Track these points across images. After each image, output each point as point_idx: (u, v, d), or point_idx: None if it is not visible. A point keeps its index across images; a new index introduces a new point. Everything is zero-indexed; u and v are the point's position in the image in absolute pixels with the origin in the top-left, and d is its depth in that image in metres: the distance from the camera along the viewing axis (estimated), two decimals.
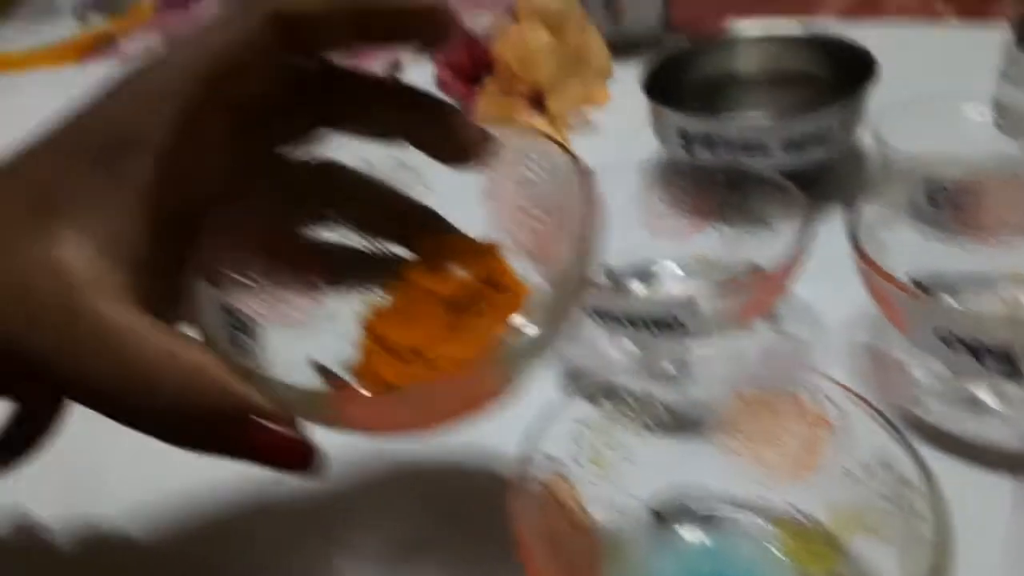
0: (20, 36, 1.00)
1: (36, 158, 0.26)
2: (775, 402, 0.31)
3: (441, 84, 0.72)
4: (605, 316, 0.37)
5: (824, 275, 0.39)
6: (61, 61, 0.89)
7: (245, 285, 0.28)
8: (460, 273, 0.31)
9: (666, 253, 0.45)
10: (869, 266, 0.34)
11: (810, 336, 0.41)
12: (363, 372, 0.29)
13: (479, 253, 0.31)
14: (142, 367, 0.23)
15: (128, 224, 0.25)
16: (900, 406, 0.37)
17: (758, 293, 0.36)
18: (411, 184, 0.32)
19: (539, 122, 0.65)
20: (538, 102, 0.65)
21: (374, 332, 0.30)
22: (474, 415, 0.28)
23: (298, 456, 0.24)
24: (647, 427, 0.33)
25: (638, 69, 0.69)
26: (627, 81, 0.68)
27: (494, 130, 0.30)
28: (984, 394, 0.37)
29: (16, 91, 0.82)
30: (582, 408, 0.32)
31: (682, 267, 0.45)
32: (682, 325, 0.36)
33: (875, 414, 0.28)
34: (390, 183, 0.32)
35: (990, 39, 0.52)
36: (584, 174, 0.28)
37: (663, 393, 0.33)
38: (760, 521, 0.32)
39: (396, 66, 0.77)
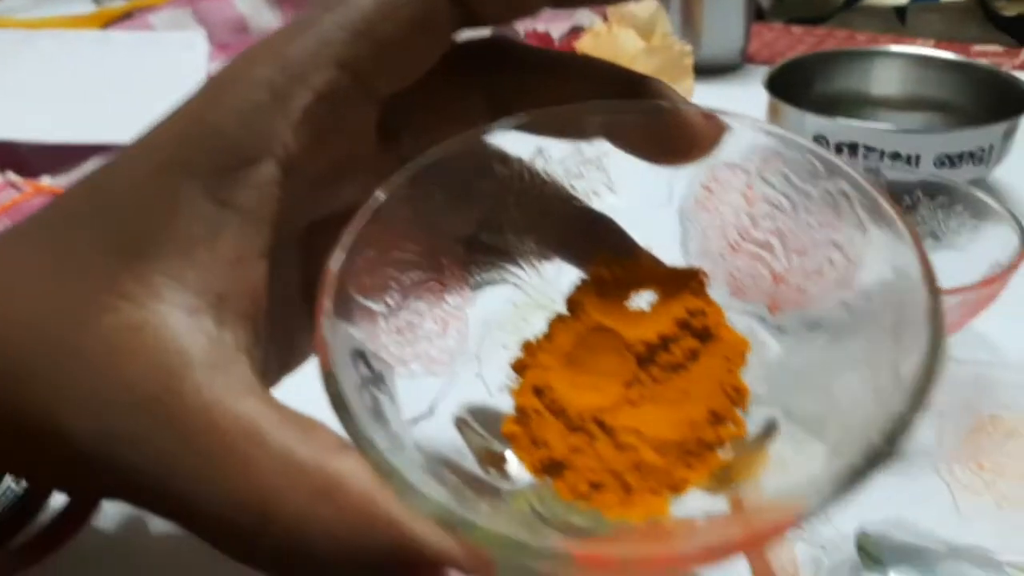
0: (33, 8, 0.93)
1: (120, 184, 0.19)
2: None
3: None
4: None
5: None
6: (82, 27, 0.82)
7: (378, 313, 0.21)
8: (646, 305, 0.23)
9: None
10: None
11: (991, 368, 0.36)
12: (522, 439, 0.22)
13: (676, 284, 0.23)
14: (253, 492, 0.16)
15: (248, 267, 0.19)
16: None
17: (966, 311, 0.31)
18: (591, 183, 0.24)
19: None
20: None
21: (535, 384, 0.23)
22: None
23: None
24: None
25: (718, 91, 0.65)
26: (707, 101, 0.64)
27: (727, 119, 0.22)
28: None
29: (33, 46, 0.75)
30: None
31: None
32: None
33: None
34: (561, 181, 0.24)
35: None
36: (914, 236, 0.18)
37: None
38: (999, 573, 0.26)
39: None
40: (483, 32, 0.22)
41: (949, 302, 0.30)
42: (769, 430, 0.21)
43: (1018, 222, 0.33)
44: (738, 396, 0.21)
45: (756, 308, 0.23)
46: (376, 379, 0.19)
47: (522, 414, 0.22)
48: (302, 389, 0.20)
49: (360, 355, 0.19)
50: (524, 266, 0.25)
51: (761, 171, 0.23)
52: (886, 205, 0.19)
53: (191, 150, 0.18)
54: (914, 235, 0.18)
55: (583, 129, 0.23)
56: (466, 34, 0.22)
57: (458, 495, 0.18)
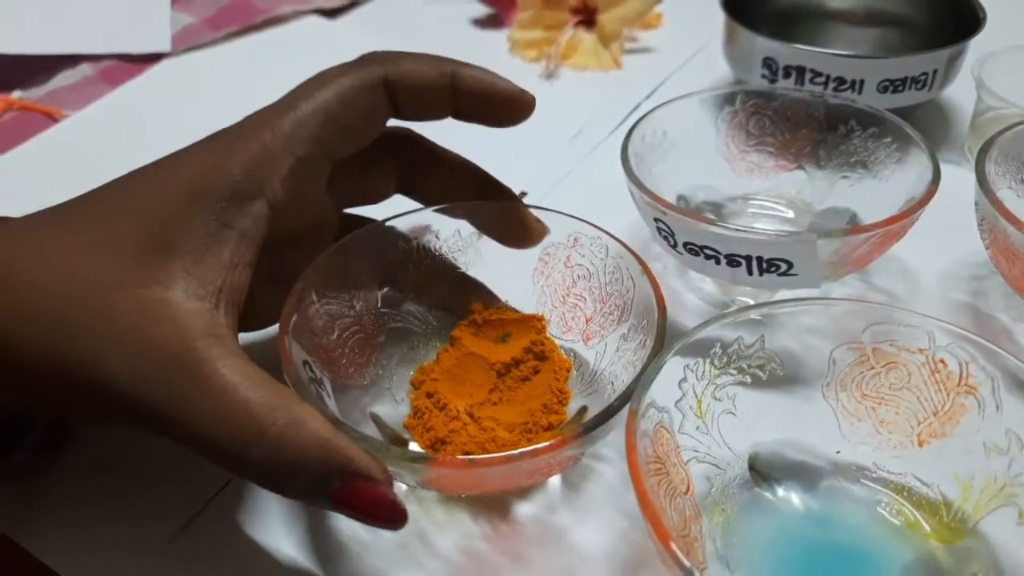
0: None
1: (150, 196, 0.25)
2: (909, 363, 0.28)
3: None
4: (700, 250, 0.33)
5: (915, 228, 0.36)
6: None
7: (316, 333, 0.30)
8: (505, 336, 0.34)
9: (746, 190, 0.42)
10: (1011, 222, 0.31)
11: (905, 293, 0.38)
12: (416, 427, 0.31)
13: (525, 325, 0.34)
14: (246, 420, 0.23)
15: (237, 271, 0.26)
16: None
17: (877, 245, 0.33)
18: (468, 256, 0.35)
19: (587, 39, 0.60)
20: (589, 18, 0.60)
21: (426, 391, 0.32)
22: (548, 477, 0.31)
23: (390, 514, 0.24)
24: (756, 378, 0.30)
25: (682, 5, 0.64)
26: (677, 6, 0.63)
27: (548, 217, 0.33)
28: None
29: None
30: (692, 354, 0.28)
31: (764, 209, 0.41)
32: (790, 269, 0.33)
33: None
34: (446, 255, 0.35)
35: None
36: (654, 283, 0.30)
37: (772, 342, 0.29)
38: (873, 488, 0.29)
39: None
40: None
41: (863, 237, 0.32)
42: (580, 413, 0.32)
43: (934, 159, 0.34)
44: (563, 396, 0.32)
45: (576, 339, 0.34)
46: (318, 381, 0.29)
47: (417, 411, 0.32)
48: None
49: (306, 363, 0.29)
50: (420, 315, 0.35)
51: (573, 247, 0.34)
52: (644, 267, 0.31)
53: (209, 185, 0.25)
54: (654, 284, 0.30)
55: (459, 219, 0.34)
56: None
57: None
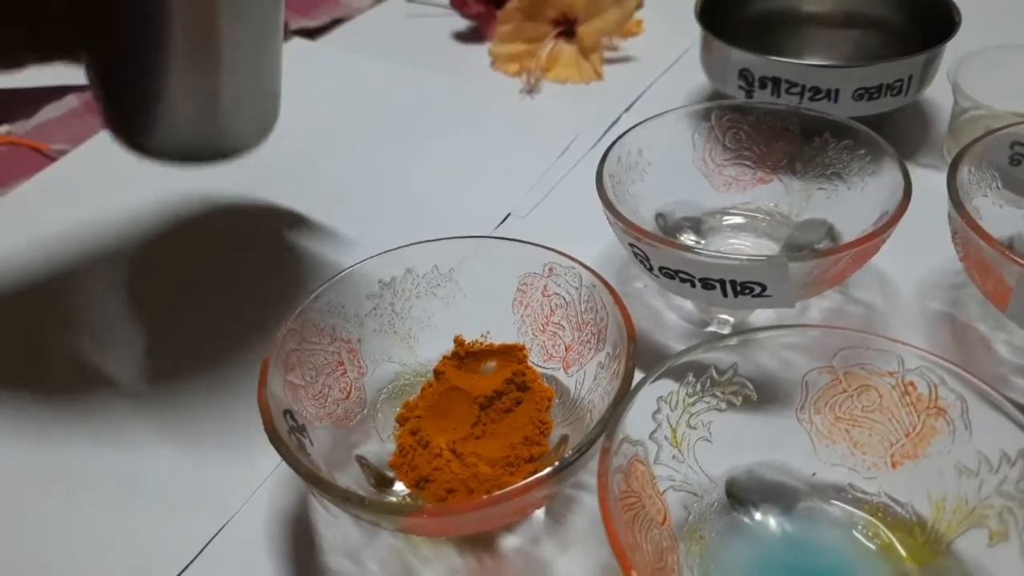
0: None
1: None
2: (880, 385, 0.29)
3: (456, 2, 0.66)
4: (675, 274, 0.34)
5: (892, 236, 0.36)
6: None
7: (299, 385, 0.31)
8: (488, 367, 0.35)
9: (725, 204, 0.42)
10: (982, 238, 0.31)
11: (883, 304, 0.38)
12: (401, 466, 0.31)
13: (507, 355, 0.35)
14: None
15: None
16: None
17: (850, 263, 0.33)
18: (448, 290, 0.35)
19: (568, 50, 0.60)
20: (569, 29, 0.60)
21: (411, 429, 0.33)
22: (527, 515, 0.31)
23: None
24: (730, 404, 0.30)
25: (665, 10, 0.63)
26: (658, 12, 0.63)
27: (524, 249, 0.34)
28: None
29: None
30: (665, 384, 0.28)
31: (743, 222, 0.41)
32: (764, 291, 0.33)
33: (1006, 406, 0.26)
34: (426, 291, 0.35)
35: None
36: (625, 314, 0.30)
37: (745, 368, 0.30)
38: (849, 509, 0.29)
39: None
40: None
41: (835, 257, 0.32)
42: (562, 442, 0.32)
43: (905, 173, 0.34)
44: (544, 427, 0.32)
45: (556, 366, 0.34)
46: (300, 428, 0.29)
47: (402, 450, 0.32)
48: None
49: (288, 412, 0.29)
50: (403, 349, 0.35)
51: (549, 277, 0.34)
52: (616, 296, 0.31)
53: None
54: (625, 314, 0.30)
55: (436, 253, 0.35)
56: None
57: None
